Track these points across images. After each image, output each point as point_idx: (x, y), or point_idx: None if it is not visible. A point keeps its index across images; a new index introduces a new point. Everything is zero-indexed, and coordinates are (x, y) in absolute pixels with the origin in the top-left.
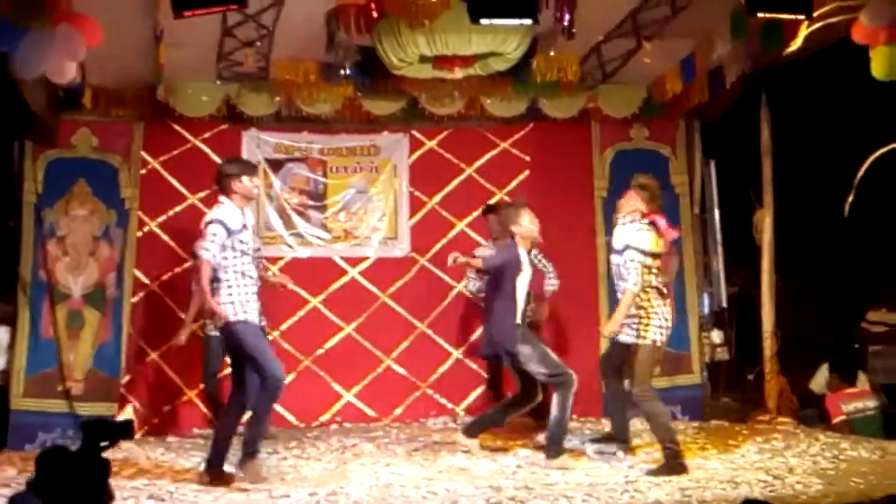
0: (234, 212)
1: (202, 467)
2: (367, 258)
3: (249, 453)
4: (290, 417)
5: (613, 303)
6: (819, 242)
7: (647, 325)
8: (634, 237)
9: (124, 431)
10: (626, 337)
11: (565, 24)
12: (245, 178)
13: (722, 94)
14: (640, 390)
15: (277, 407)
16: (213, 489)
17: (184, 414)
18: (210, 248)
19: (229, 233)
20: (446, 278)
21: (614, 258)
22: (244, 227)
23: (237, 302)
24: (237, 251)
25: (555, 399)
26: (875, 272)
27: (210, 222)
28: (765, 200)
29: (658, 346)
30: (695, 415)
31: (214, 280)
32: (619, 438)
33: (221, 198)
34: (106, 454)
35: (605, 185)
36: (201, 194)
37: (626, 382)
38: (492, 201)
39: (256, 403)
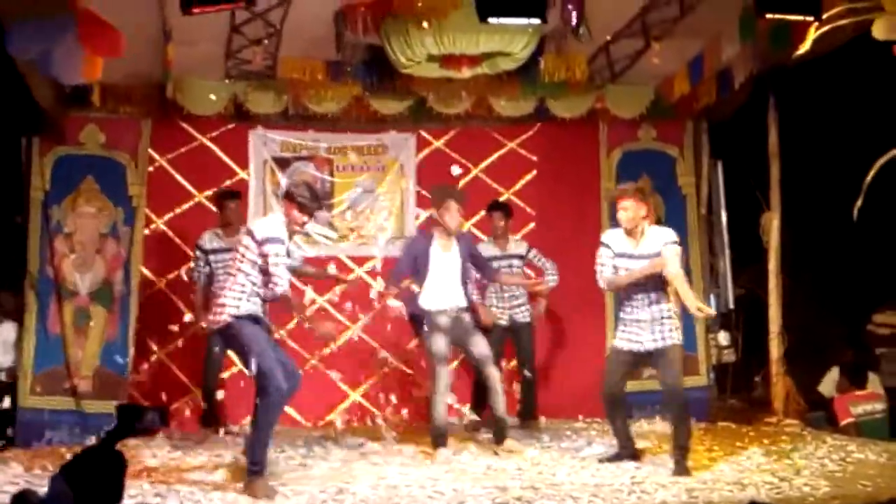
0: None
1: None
2: (374, 257)
3: (255, 472)
4: (297, 416)
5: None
6: (826, 244)
7: (677, 326)
8: (666, 233)
9: (158, 418)
10: (663, 342)
11: (574, 24)
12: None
13: (730, 96)
14: (682, 390)
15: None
16: (220, 488)
17: (190, 412)
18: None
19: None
20: None
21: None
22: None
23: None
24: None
25: None
26: (882, 274)
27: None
28: (772, 202)
29: None
30: (701, 416)
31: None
32: (626, 454)
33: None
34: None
35: (612, 185)
36: (208, 192)
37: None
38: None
39: (257, 415)
